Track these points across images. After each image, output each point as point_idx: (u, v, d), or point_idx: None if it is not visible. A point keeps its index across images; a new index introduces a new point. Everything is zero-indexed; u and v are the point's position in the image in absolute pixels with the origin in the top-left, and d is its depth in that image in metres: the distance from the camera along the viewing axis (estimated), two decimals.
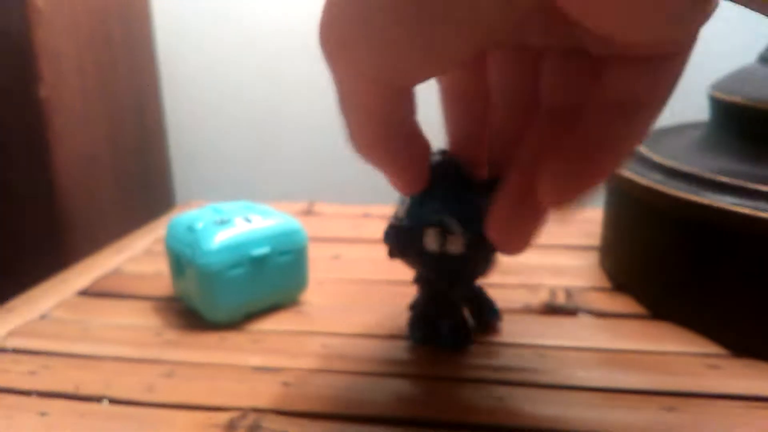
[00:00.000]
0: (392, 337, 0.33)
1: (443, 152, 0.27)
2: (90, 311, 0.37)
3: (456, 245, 0.26)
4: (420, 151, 0.22)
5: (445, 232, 0.26)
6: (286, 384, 0.29)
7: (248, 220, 0.34)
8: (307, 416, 0.26)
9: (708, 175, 0.32)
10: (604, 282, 0.39)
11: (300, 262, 0.36)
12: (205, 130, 0.73)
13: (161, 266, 0.43)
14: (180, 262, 0.34)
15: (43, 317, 0.36)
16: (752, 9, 0.12)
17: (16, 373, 0.30)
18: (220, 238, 0.33)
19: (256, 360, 0.31)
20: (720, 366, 0.30)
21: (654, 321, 0.34)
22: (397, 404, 0.27)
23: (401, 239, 0.28)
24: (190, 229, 0.34)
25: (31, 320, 0.36)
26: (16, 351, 0.32)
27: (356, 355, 0.31)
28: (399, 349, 0.32)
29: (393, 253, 0.28)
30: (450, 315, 0.31)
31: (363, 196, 0.69)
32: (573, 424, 0.26)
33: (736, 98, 0.34)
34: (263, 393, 0.28)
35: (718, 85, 0.37)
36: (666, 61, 0.18)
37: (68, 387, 0.29)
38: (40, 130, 0.51)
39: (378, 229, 0.50)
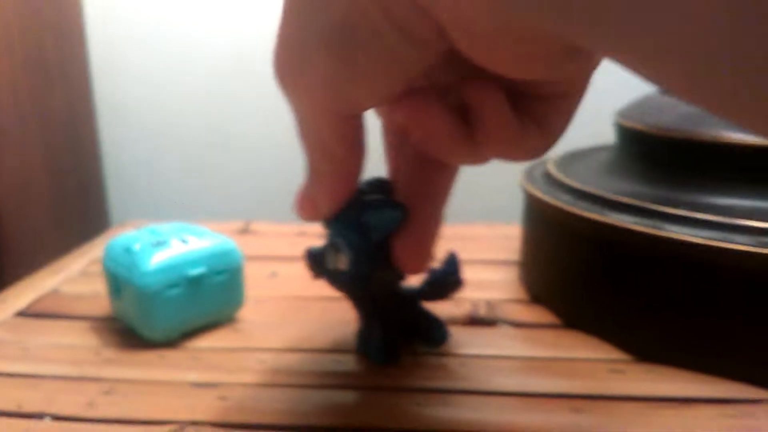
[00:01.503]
0: (323, 350, 0.35)
1: (372, 182, 0.29)
2: (28, 332, 0.37)
3: (342, 262, 0.29)
4: (355, 171, 0.25)
5: (336, 252, 0.29)
6: (222, 398, 0.30)
7: (184, 241, 0.36)
8: (243, 428, 0.28)
9: (612, 196, 0.35)
10: (522, 294, 0.42)
11: (236, 281, 0.37)
12: (140, 149, 0.73)
13: (98, 287, 0.44)
14: (117, 282, 0.36)
15: None
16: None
17: None
18: (156, 260, 0.34)
19: (193, 376, 0.32)
20: (624, 370, 0.33)
21: (566, 330, 0.37)
22: (327, 414, 0.29)
23: (311, 261, 0.31)
24: (127, 250, 0.35)
25: None
26: None
27: (290, 369, 0.33)
28: (330, 362, 0.33)
29: (314, 275, 0.32)
30: (379, 331, 0.33)
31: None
32: (490, 427, 0.28)
33: (638, 125, 0.38)
34: (200, 407, 0.29)
35: (622, 113, 0.41)
36: (562, 99, 0.22)
37: (10, 406, 0.30)
38: None
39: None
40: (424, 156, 0.27)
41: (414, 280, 0.32)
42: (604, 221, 0.34)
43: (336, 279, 0.30)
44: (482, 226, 0.55)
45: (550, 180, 0.41)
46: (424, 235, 0.28)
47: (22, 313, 0.40)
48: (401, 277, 0.31)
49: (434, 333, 0.35)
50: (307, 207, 0.27)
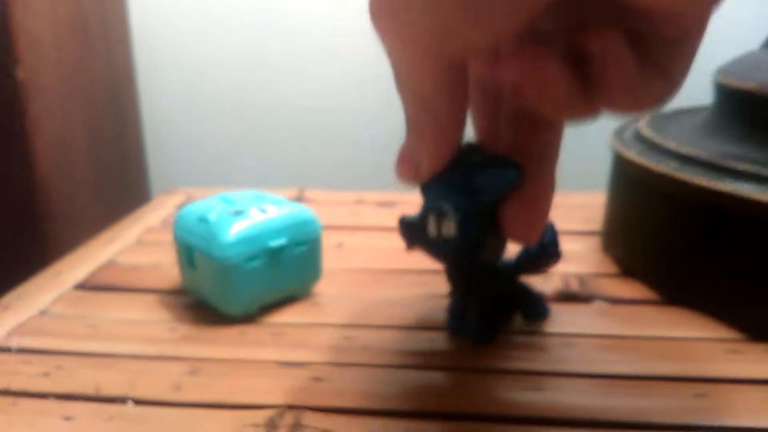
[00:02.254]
0: (411, 327, 0.32)
1: (464, 147, 0.26)
2: (92, 306, 0.35)
3: (449, 228, 0.26)
4: (459, 125, 0.22)
5: (440, 217, 0.26)
6: (317, 379, 0.28)
7: (263, 211, 0.33)
8: (346, 413, 0.26)
9: (722, 161, 0.32)
10: (612, 268, 0.39)
11: (314, 253, 0.35)
12: (182, 114, 0.71)
13: (157, 257, 0.42)
14: (191, 254, 0.33)
15: (42, 313, 0.34)
16: None
17: (28, 375, 0.28)
18: (236, 230, 0.32)
19: (279, 354, 0.30)
20: (741, 351, 0.30)
21: (667, 306, 0.34)
22: (432, 397, 0.27)
23: (406, 230, 0.27)
24: (203, 219, 0.32)
25: (30, 317, 0.34)
26: (22, 351, 0.31)
27: (381, 347, 0.30)
28: (422, 340, 0.31)
29: (409, 245, 0.28)
30: (477, 306, 0.31)
31: (351, 181, 0.68)
32: (608, 412, 0.26)
33: (750, 85, 0.35)
34: (296, 389, 0.27)
35: (724, 71, 0.38)
36: (684, 42, 0.19)
37: (88, 388, 0.27)
38: (17, 115, 0.48)
39: (374, 215, 0.50)
40: (528, 115, 0.24)
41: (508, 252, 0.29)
42: (716, 188, 0.31)
43: (440, 248, 0.26)
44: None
45: (646, 142, 0.38)
46: (538, 199, 0.25)
47: (82, 286, 0.38)
48: (505, 247, 0.28)
49: (536, 308, 0.32)
50: (407, 167, 0.23)
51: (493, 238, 0.26)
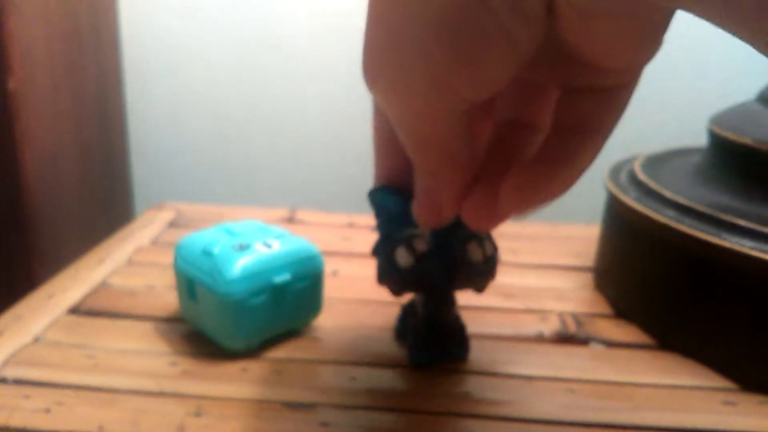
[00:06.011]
0: (412, 366, 0.33)
1: None
2: (88, 333, 0.35)
3: (422, 245, 0.28)
4: (471, 161, 0.23)
5: (410, 242, 0.28)
6: (324, 424, 0.28)
7: (267, 245, 0.33)
8: None
9: (722, 215, 0.33)
10: (606, 308, 0.40)
11: (316, 288, 0.35)
12: (169, 127, 0.70)
13: (150, 279, 0.41)
14: (193, 286, 0.33)
15: (37, 340, 0.34)
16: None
17: (28, 410, 0.28)
18: (241, 265, 0.31)
19: (284, 394, 0.30)
20: (735, 402, 0.31)
21: (662, 352, 0.35)
22: None
23: (397, 277, 0.29)
24: (207, 253, 0.32)
25: (25, 345, 0.33)
26: (19, 382, 0.30)
27: (388, 388, 0.31)
28: (422, 379, 0.31)
29: (399, 290, 0.30)
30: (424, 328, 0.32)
31: (342, 197, 0.68)
32: None
33: (745, 139, 0.36)
34: None
35: (718, 121, 0.39)
36: (622, 90, 0.21)
37: (91, 427, 0.27)
38: (7, 125, 0.47)
39: (366, 241, 0.50)
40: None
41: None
42: (712, 242, 0.32)
43: (418, 272, 0.28)
44: (541, 225, 0.52)
45: (643, 188, 0.38)
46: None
47: (75, 311, 0.37)
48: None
49: (465, 345, 0.33)
50: (430, 211, 0.24)
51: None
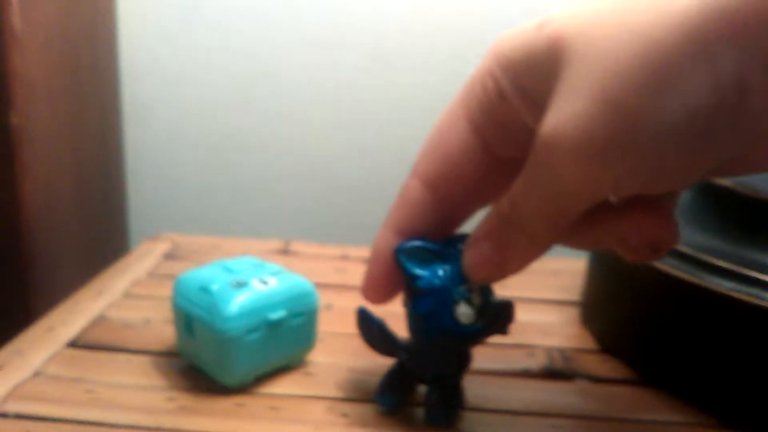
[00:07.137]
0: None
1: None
2: (87, 368, 0.35)
3: (478, 299, 0.29)
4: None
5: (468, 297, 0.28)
6: None
7: (264, 282, 0.34)
8: None
9: (704, 257, 0.34)
10: (591, 343, 0.41)
11: (311, 324, 0.36)
12: (165, 158, 0.71)
13: (146, 313, 0.42)
14: (190, 322, 0.34)
15: (37, 374, 0.34)
16: None
17: None
18: (238, 302, 0.32)
19: (279, 430, 0.31)
20: None
21: (645, 387, 0.36)
22: None
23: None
24: (205, 290, 0.33)
25: (25, 379, 0.34)
26: (21, 417, 0.31)
27: (379, 426, 0.31)
28: (414, 418, 0.32)
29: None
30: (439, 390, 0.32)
31: (337, 229, 0.69)
32: None
33: (725, 182, 0.37)
34: None
35: None
36: None
37: None
38: (7, 160, 0.48)
39: (359, 274, 0.50)
40: None
41: None
42: (695, 283, 0.33)
43: (470, 329, 0.28)
44: None
45: None
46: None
47: (74, 344, 0.38)
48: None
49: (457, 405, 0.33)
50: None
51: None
